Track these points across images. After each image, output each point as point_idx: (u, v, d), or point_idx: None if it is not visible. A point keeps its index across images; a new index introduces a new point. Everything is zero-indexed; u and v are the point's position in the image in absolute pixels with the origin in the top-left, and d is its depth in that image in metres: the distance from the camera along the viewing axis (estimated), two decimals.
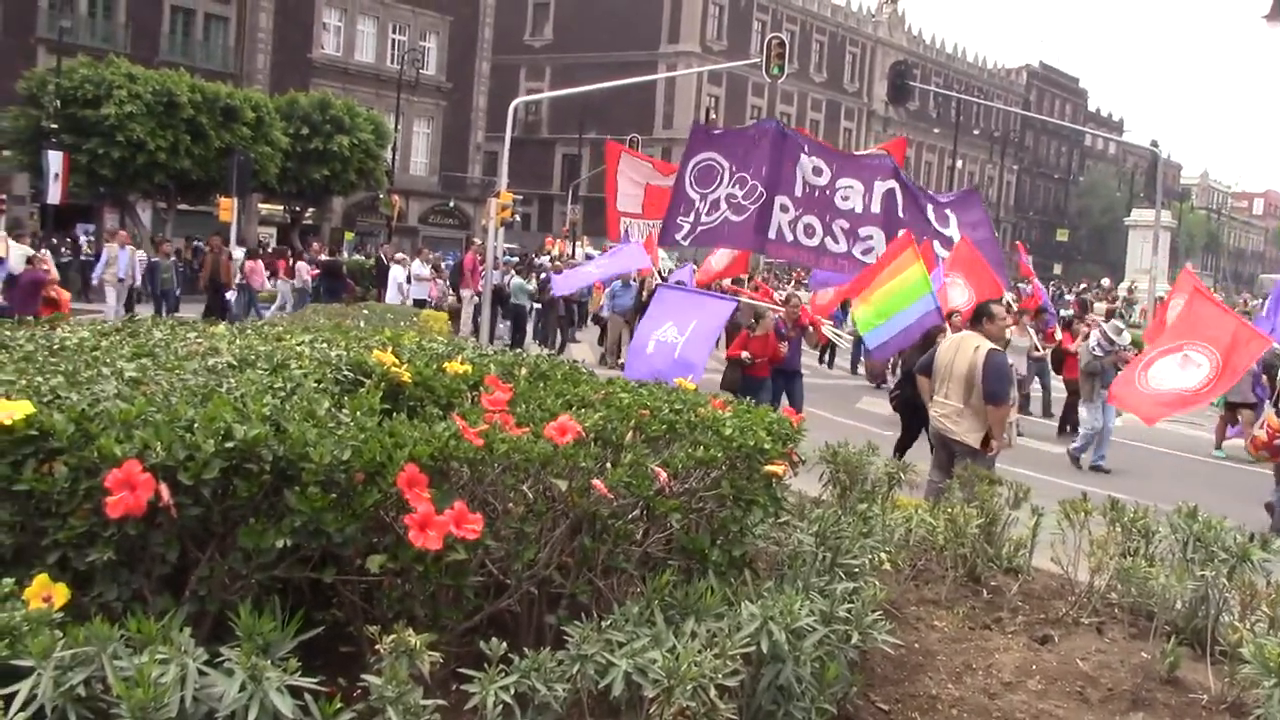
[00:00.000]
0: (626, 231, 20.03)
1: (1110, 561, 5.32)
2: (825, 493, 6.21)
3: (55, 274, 15.65)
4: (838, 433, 7.62)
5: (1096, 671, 4.61)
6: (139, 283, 26.12)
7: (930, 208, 16.26)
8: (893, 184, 15.79)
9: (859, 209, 15.63)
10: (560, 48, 71.97)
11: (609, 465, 3.67)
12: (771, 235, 15.76)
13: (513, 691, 2.78)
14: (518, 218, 53.40)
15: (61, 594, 2.73)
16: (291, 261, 29.16)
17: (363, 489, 3.16)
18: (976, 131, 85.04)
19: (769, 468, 4.11)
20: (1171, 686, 4.52)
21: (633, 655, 2.99)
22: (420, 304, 25.05)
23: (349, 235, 48.80)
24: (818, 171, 15.65)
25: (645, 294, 21.17)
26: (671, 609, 3.39)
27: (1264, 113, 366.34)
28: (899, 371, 15.88)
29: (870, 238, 15.53)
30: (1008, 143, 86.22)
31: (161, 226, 35.84)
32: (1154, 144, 49.74)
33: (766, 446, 4.10)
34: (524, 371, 5.03)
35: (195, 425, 3.07)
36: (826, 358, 25.73)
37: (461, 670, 2.87)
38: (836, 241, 15.69)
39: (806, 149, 15.93)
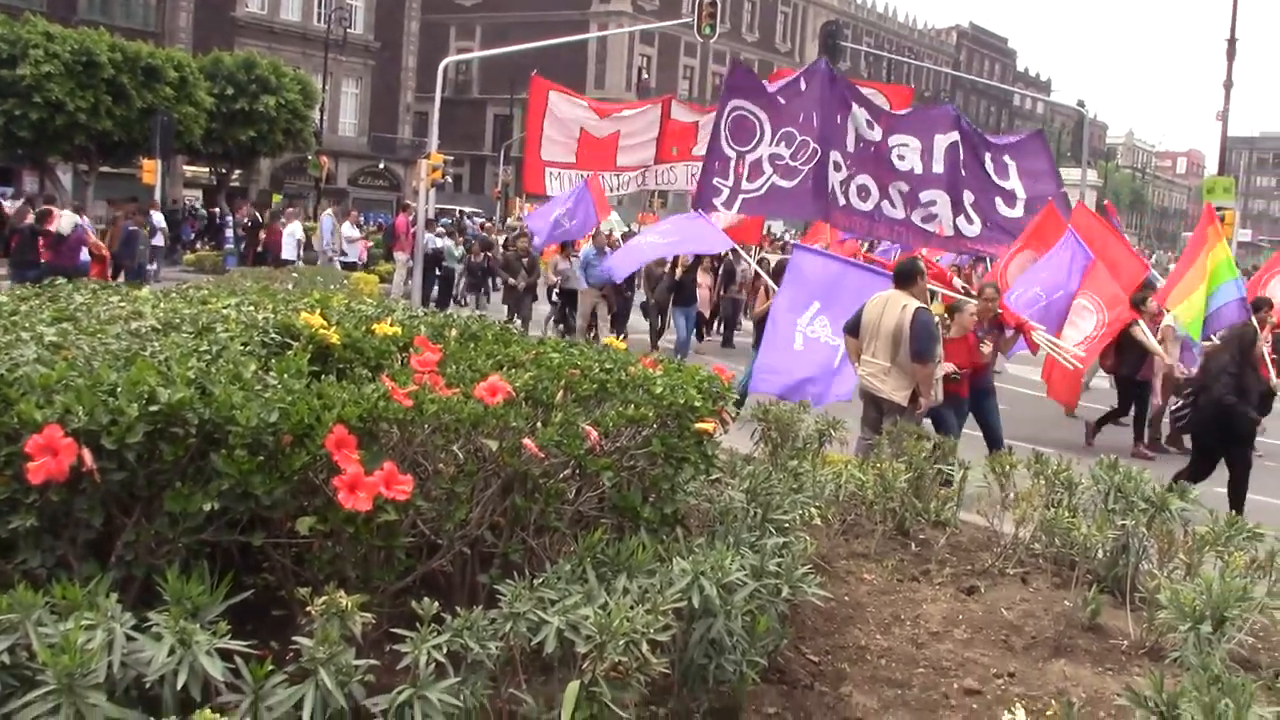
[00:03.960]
0: (586, 182, 17.56)
1: (1034, 513, 5.45)
2: (757, 450, 6.28)
3: (93, 236, 17.90)
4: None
5: (1021, 620, 4.72)
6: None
7: (988, 156, 14.04)
8: (955, 136, 13.59)
9: (918, 169, 13.53)
10: (491, 6, 71.07)
11: (540, 425, 3.67)
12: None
13: (445, 650, 2.79)
14: (449, 179, 52.84)
15: None
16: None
17: (291, 451, 3.14)
18: None
19: (700, 425, 4.14)
20: (1093, 633, 4.65)
21: (565, 612, 3.01)
22: (349, 266, 24.72)
23: (276, 197, 47.93)
24: (870, 125, 13.48)
25: (682, 271, 18.36)
26: (603, 566, 3.41)
27: (1188, 74, 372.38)
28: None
29: (933, 203, 13.57)
30: (939, 102, 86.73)
31: (83, 190, 34.94)
32: (1080, 104, 50.49)
33: (697, 404, 4.13)
34: (454, 333, 5.01)
35: (118, 389, 3.02)
36: None
37: (394, 630, 2.87)
38: (894, 206, 13.52)
39: (856, 98, 13.63)
